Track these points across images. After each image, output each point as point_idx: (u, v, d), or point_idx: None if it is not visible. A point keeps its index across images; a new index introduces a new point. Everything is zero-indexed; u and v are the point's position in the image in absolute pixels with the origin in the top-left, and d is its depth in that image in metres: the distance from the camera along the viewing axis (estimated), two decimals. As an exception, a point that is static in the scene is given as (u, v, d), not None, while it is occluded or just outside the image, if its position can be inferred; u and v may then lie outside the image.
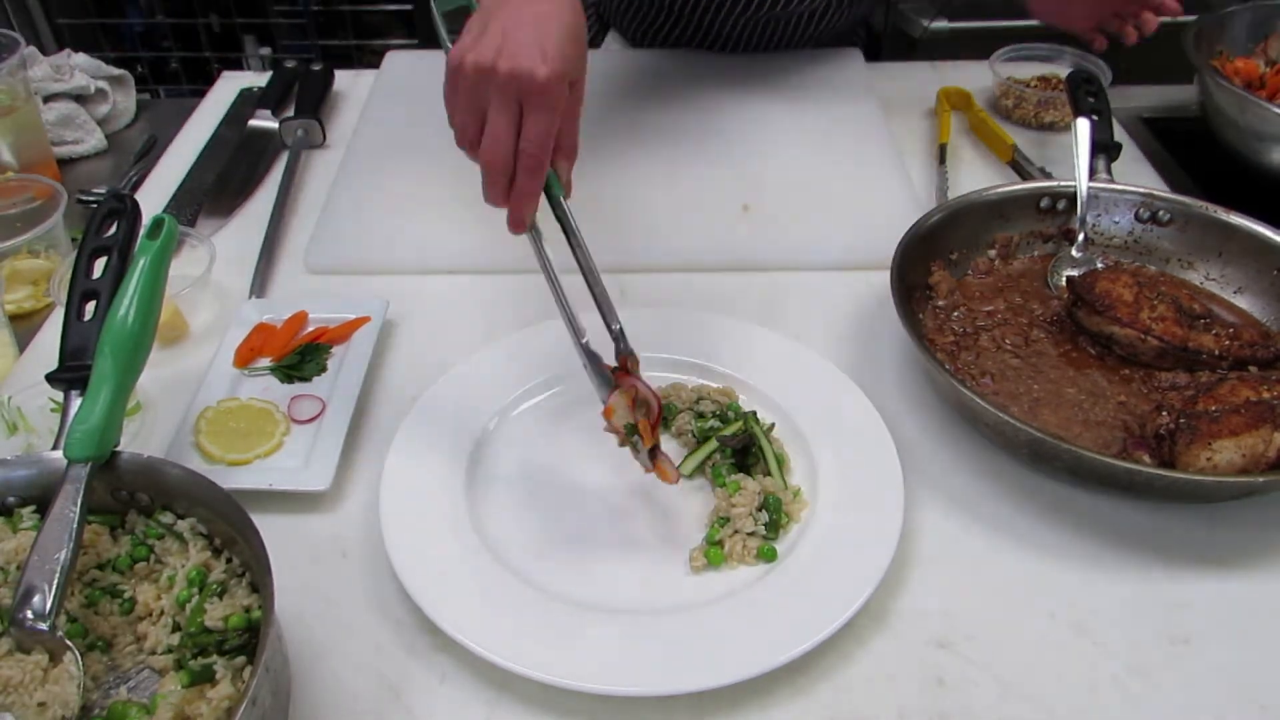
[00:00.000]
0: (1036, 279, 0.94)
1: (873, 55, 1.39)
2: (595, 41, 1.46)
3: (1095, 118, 1.02)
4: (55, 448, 0.67)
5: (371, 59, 2.38)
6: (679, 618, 0.67)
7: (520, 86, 0.67)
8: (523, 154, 0.69)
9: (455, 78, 0.69)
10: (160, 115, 1.33)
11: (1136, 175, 1.12)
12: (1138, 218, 0.96)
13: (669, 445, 0.81)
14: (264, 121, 1.23)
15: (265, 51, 2.42)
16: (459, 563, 0.69)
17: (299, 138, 1.19)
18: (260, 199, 1.11)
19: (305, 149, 1.19)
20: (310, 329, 0.90)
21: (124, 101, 1.31)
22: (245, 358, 0.87)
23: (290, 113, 1.23)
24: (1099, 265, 0.95)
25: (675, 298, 0.97)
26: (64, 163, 1.23)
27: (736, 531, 0.72)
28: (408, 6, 2.35)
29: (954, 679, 0.65)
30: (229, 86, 1.34)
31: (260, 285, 0.98)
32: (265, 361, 0.87)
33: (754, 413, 0.81)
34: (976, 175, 1.15)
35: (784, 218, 1.06)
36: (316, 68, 1.31)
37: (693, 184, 1.10)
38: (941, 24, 1.90)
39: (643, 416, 0.71)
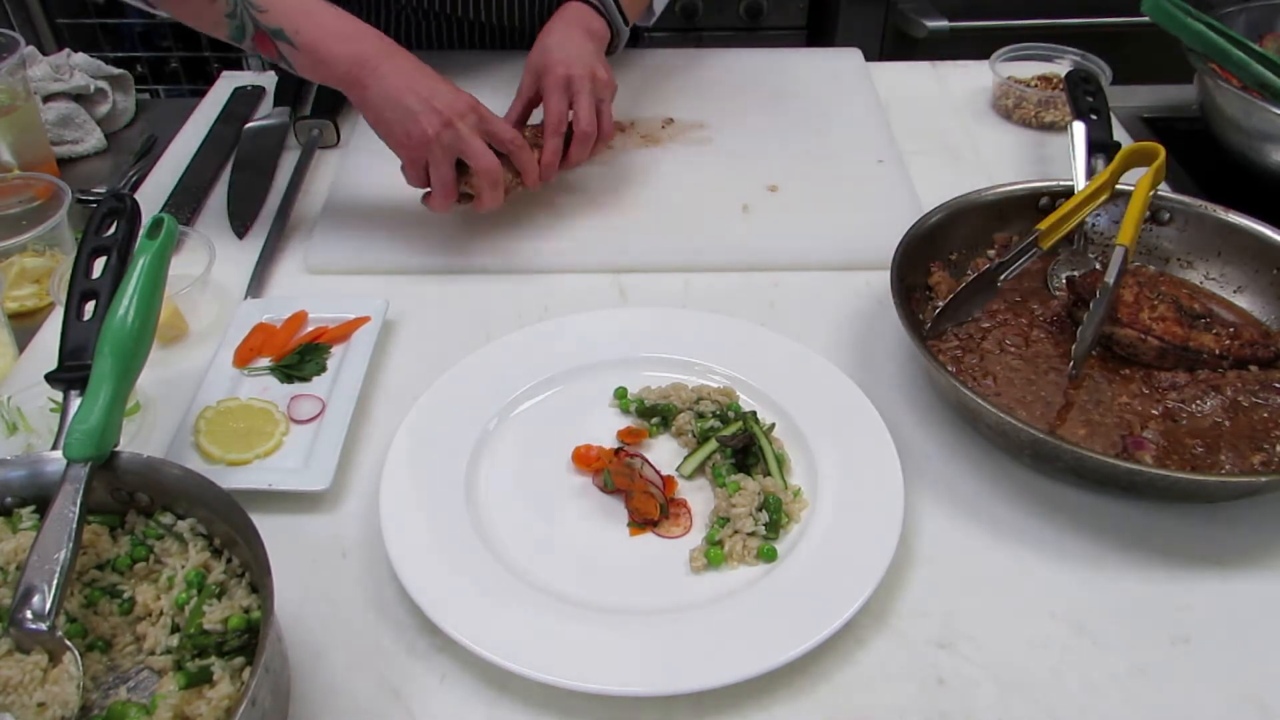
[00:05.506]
0: (1036, 279, 0.94)
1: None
2: None
3: (1094, 117, 1.02)
4: (55, 448, 0.67)
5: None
6: (679, 618, 0.67)
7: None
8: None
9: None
10: (160, 115, 1.32)
11: (1136, 175, 1.12)
12: (1138, 217, 0.96)
13: (669, 445, 0.81)
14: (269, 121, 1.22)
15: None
16: (459, 563, 0.69)
17: (312, 137, 1.19)
18: (265, 199, 1.11)
19: (318, 149, 1.19)
20: (310, 329, 0.90)
21: (124, 101, 1.31)
22: (245, 358, 0.87)
23: (306, 111, 1.22)
24: (1099, 265, 0.95)
25: (675, 298, 0.97)
26: (64, 162, 1.23)
27: (736, 531, 0.72)
28: (407, 6, 2.35)
29: (954, 679, 0.65)
30: (228, 86, 1.33)
31: (258, 285, 0.98)
32: (265, 361, 0.87)
33: (754, 413, 0.81)
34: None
35: (784, 218, 1.06)
36: None
37: (693, 184, 1.11)
38: (941, 24, 1.90)
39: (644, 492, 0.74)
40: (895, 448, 0.76)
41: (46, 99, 1.22)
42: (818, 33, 2.13)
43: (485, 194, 0.94)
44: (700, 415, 0.80)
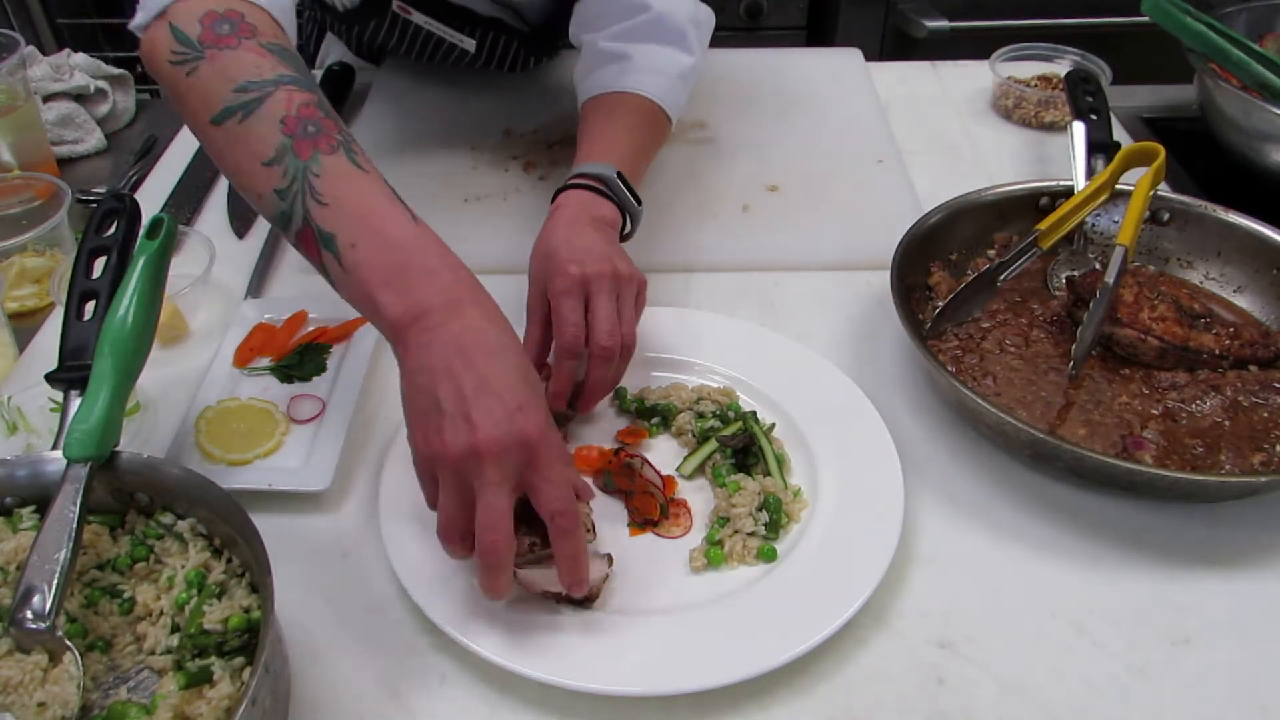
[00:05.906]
0: (1036, 279, 0.94)
1: None
2: (316, 44, 1.43)
3: (1094, 117, 1.02)
4: (55, 448, 0.67)
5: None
6: (679, 618, 0.67)
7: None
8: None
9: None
10: (160, 115, 1.32)
11: (1136, 175, 1.12)
12: (1138, 217, 0.96)
13: (669, 445, 0.81)
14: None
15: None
16: (459, 562, 0.69)
17: None
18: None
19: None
20: (310, 328, 0.90)
21: (124, 101, 1.31)
22: (245, 357, 0.87)
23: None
24: (1099, 265, 0.95)
25: (675, 298, 0.96)
26: (64, 162, 1.23)
27: (736, 531, 0.72)
28: (407, 6, 2.35)
29: (954, 679, 0.65)
30: (229, 86, 1.33)
31: (258, 285, 0.98)
32: (265, 361, 0.87)
33: (754, 413, 0.81)
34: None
35: (784, 218, 1.06)
36: (337, 67, 1.31)
37: (693, 184, 1.11)
38: (942, 24, 1.91)
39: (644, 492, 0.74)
40: (895, 448, 0.76)
41: (46, 99, 1.22)
42: (818, 33, 2.14)
43: (562, 549, 0.62)
44: (700, 415, 0.80)
